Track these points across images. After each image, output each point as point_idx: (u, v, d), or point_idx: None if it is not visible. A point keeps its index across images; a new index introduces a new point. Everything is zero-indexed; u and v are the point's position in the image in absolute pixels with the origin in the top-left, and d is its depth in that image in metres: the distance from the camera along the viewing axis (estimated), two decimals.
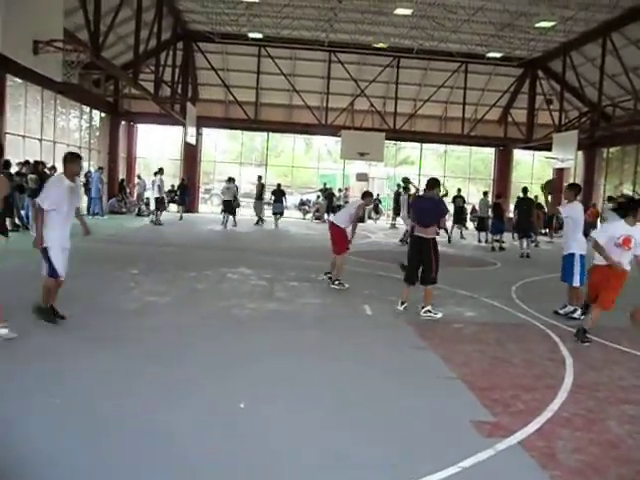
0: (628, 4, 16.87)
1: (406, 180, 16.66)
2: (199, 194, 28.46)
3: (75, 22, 14.68)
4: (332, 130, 25.09)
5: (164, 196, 20.73)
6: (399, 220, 21.87)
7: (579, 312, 7.68)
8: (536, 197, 24.19)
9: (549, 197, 8.94)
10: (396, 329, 7.05)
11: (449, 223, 18.47)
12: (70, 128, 21.79)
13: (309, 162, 36.85)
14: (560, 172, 27.58)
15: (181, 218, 22.03)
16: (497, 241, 17.75)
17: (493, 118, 26.49)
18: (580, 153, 24.68)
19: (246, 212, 24.60)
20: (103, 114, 24.07)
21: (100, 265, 10.21)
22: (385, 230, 23.34)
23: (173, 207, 23.74)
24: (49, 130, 19.10)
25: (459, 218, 20.38)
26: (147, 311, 7.15)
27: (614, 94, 21.63)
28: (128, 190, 25.19)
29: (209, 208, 28.95)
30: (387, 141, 25.44)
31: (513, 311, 8.32)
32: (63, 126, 20.81)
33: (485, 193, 20.62)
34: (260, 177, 23.06)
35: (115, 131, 24.85)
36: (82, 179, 21.19)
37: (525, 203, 16.80)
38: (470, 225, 22.73)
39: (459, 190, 21.85)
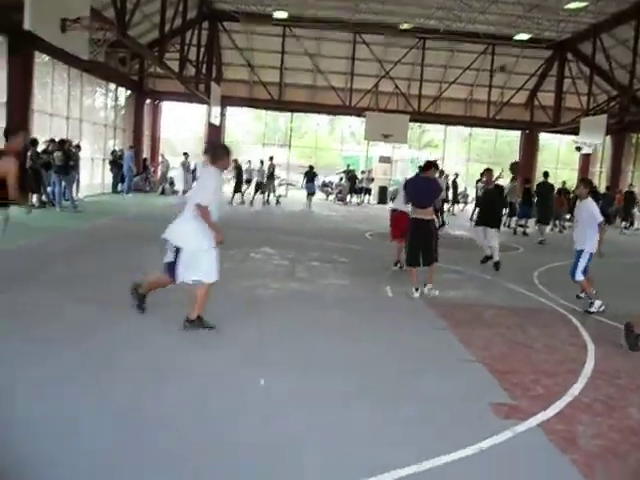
0: None
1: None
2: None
3: (102, 0, 14.75)
4: (356, 111, 24.97)
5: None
6: None
7: (597, 304, 7.48)
8: (563, 182, 23.91)
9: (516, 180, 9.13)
10: (416, 311, 7.06)
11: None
12: (96, 106, 21.95)
13: (332, 143, 36.78)
14: (587, 157, 27.17)
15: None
16: (521, 226, 17.59)
17: (520, 101, 26.10)
18: (608, 138, 24.23)
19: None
20: (128, 92, 24.20)
21: (127, 242, 10.35)
22: None
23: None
24: (75, 108, 19.26)
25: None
26: (170, 289, 7.24)
27: None
28: (152, 169, 25.38)
29: (231, 188, 29.02)
30: (411, 123, 25.25)
31: (535, 296, 8.28)
32: (89, 104, 20.97)
33: (514, 178, 20.33)
34: (272, 157, 22.99)
35: (140, 110, 24.99)
36: (109, 157, 21.49)
37: (544, 188, 16.53)
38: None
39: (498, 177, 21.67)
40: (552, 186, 17.34)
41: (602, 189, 23.81)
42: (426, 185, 7.95)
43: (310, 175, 23.09)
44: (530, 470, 3.39)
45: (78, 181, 16.87)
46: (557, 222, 19.65)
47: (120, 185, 21.47)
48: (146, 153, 25.76)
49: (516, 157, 29.32)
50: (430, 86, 25.22)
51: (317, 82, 25.94)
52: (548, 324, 6.81)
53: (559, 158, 31.37)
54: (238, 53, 24.39)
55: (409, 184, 8.49)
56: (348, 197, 26.32)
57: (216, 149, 5.74)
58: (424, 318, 6.75)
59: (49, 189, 15.27)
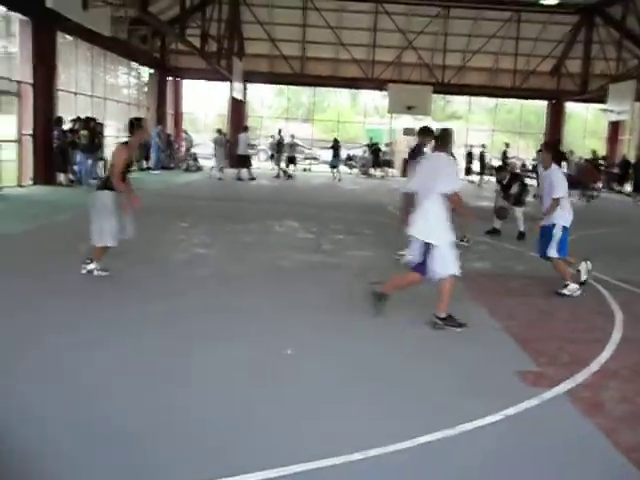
0: None
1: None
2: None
3: None
4: (379, 84, 24.72)
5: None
6: None
7: (571, 288, 6.58)
8: (594, 152, 23.43)
9: None
10: None
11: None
12: (119, 84, 22.07)
13: (355, 117, 36.48)
14: (615, 125, 26.55)
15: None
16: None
17: (546, 70, 25.54)
18: (638, 105, 23.64)
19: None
20: (151, 70, 24.24)
21: (153, 217, 10.48)
22: None
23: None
24: (99, 87, 19.39)
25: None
26: (196, 262, 7.35)
27: None
28: (176, 146, 25.51)
29: (255, 163, 29.11)
30: (435, 95, 24.92)
31: None
32: (112, 82, 21.09)
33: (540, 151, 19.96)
34: (280, 130, 23.04)
35: (162, 87, 25.03)
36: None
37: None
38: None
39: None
40: (563, 155, 16.94)
41: (632, 158, 23.30)
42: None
43: (335, 148, 23.34)
44: (556, 435, 3.40)
45: (104, 159, 17.04)
46: (585, 192, 19.34)
47: (145, 162, 21.66)
48: (169, 130, 25.87)
49: (542, 128, 28.88)
50: (454, 56, 24.81)
51: (339, 55, 25.68)
52: None
53: (587, 127, 30.76)
54: (259, 27, 24.21)
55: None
56: (372, 170, 26.19)
57: (445, 134, 5.30)
58: None
59: (76, 168, 15.47)
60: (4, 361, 3.96)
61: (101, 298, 5.58)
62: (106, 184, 6.13)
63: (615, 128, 27.21)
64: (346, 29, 24.75)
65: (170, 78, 25.88)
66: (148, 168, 21.43)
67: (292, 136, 22.97)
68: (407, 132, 26.82)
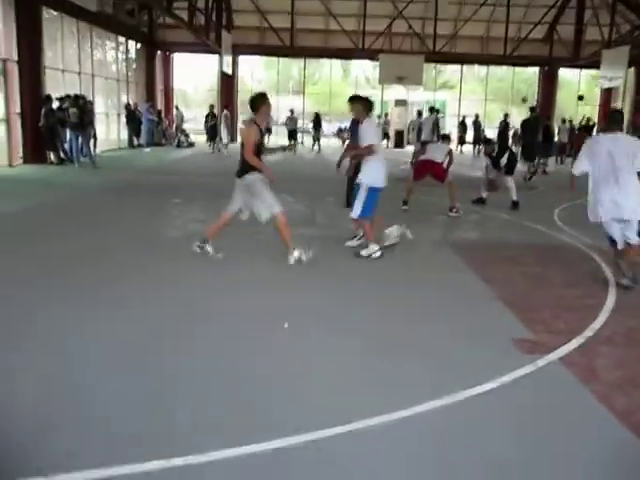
0: None
1: None
2: (237, 124, 28.33)
3: None
4: (370, 54, 24.44)
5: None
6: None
7: (371, 249, 6.55)
8: (588, 119, 23.28)
9: None
10: (438, 252, 7.10)
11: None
12: (107, 60, 21.75)
13: (347, 89, 36.14)
14: (608, 92, 26.44)
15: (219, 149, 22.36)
16: (542, 164, 17.35)
17: (538, 37, 25.31)
18: (631, 70, 23.51)
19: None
20: (138, 45, 23.90)
21: (146, 194, 10.43)
22: None
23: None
24: (87, 63, 19.11)
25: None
26: (192, 239, 7.33)
27: None
28: (167, 122, 25.28)
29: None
30: (426, 64, 24.70)
31: (555, 234, 8.26)
32: (100, 59, 20.79)
33: (533, 109, 19.72)
34: (292, 110, 23.86)
35: (151, 62, 24.73)
36: (124, 111, 21.45)
37: (531, 124, 15.66)
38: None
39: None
40: (538, 121, 16.43)
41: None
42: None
43: (317, 122, 24.66)
44: (551, 401, 3.45)
45: (95, 137, 16.90)
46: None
47: (136, 139, 21.49)
48: (160, 105, 25.61)
49: (535, 95, 28.74)
50: (445, 25, 24.53)
51: (329, 26, 25.36)
52: (569, 261, 6.80)
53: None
54: None
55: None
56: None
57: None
58: (446, 259, 6.78)
59: (66, 146, 15.33)
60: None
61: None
62: (245, 168, 5.98)
63: (608, 95, 27.10)
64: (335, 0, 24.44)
65: (159, 52, 25.54)
66: (139, 145, 21.25)
67: (291, 111, 24.30)
68: (399, 103, 26.68)
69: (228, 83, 26.41)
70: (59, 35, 17.27)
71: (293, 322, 4.46)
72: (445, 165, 9.74)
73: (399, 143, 26.74)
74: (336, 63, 31.17)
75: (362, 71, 35.20)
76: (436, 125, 17.67)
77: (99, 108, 19.48)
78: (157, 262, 6.12)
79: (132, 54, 23.86)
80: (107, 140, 20.68)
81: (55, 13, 16.71)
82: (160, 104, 25.69)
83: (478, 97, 31.22)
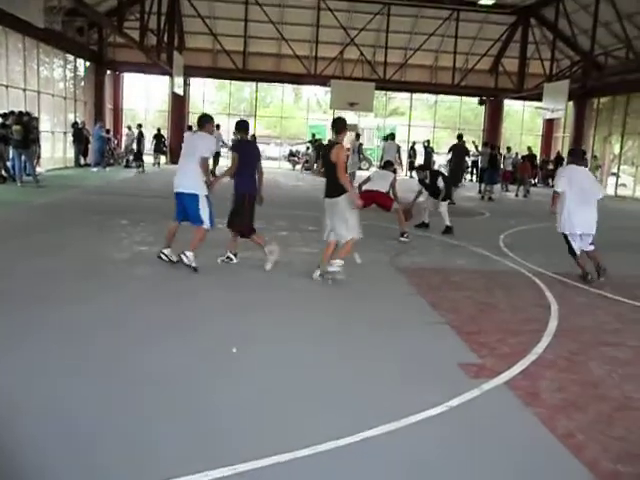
0: None
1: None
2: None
3: None
4: (321, 80, 24.74)
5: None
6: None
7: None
8: (529, 148, 24.30)
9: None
10: (386, 277, 7.16)
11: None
12: (55, 78, 21.30)
13: (298, 112, 36.49)
14: (550, 123, 27.50)
15: (158, 165, 22.94)
16: (488, 191, 17.86)
17: (484, 68, 26.19)
18: (571, 103, 24.52)
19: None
20: (88, 63, 23.53)
21: (92, 215, 10.17)
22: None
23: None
24: (32, 80, 18.66)
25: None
26: (137, 260, 7.19)
27: (607, 43, 21.40)
28: (115, 141, 24.87)
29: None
30: (377, 91, 25.15)
31: (501, 259, 8.45)
32: (47, 76, 20.34)
33: (486, 144, 20.40)
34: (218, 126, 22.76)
35: (100, 81, 24.35)
36: (70, 130, 21.01)
37: (457, 150, 16.82)
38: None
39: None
40: (466, 149, 17.55)
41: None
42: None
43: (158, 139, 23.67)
44: (497, 425, 3.49)
45: (39, 155, 16.46)
46: (521, 187, 19.95)
47: (83, 159, 21.05)
48: (108, 125, 25.20)
49: (481, 124, 29.63)
50: (395, 53, 25.10)
51: (282, 50, 25.58)
52: (513, 286, 6.97)
53: (523, 124, 31.73)
54: (200, 21, 23.84)
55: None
56: (315, 166, 26.23)
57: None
58: (394, 283, 6.84)
59: (9, 164, 14.87)
60: None
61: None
62: (338, 189, 6.33)
63: (550, 125, 28.18)
64: (288, 24, 24.69)
65: (108, 72, 25.20)
66: (86, 164, 20.81)
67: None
68: (350, 128, 26.98)
69: (179, 104, 26.25)
70: (3, 50, 16.84)
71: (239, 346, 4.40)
72: (390, 194, 9.65)
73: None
74: (288, 86, 31.40)
75: (314, 94, 35.57)
76: (398, 152, 18.12)
77: (45, 126, 19.01)
78: (100, 288, 5.96)
79: (81, 72, 23.46)
80: (53, 159, 20.19)
81: None
82: (109, 124, 25.27)
83: (427, 124, 31.95)
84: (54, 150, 20.63)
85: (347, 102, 23.48)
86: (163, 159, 24.23)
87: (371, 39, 25.12)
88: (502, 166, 22.03)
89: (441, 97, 30.21)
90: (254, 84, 28.60)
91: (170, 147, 24.66)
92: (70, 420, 3.22)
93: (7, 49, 16.99)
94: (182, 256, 6.56)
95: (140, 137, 21.93)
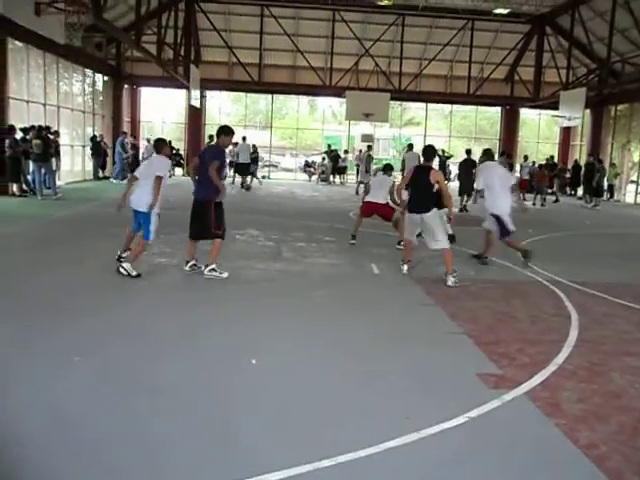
0: None
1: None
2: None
3: None
4: (336, 91, 24.86)
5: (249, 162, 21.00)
6: None
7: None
8: (552, 157, 24.18)
9: None
10: (404, 287, 7.14)
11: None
12: (74, 92, 21.62)
13: (314, 124, 36.63)
14: (567, 131, 27.33)
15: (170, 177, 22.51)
16: None
17: (499, 77, 26.13)
18: (587, 111, 24.38)
19: None
20: (106, 78, 23.87)
21: (111, 228, 10.28)
22: None
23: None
24: (52, 95, 18.95)
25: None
26: (156, 272, 7.26)
27: (624, 49, 21.28)
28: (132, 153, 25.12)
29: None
30: (392, 102, 25.19)
31: (519, 269, 8.39)
32: (66, 90, 20.64)
33: (502, 153, 20.35)
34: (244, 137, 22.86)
35: (118, 95, 24.66)
36: (89, 143, 21.27)
37: (466, 164, 16.84)
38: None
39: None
40: (473, 162, 17.48)
41: (583, 162, 23.92)
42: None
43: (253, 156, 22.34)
44: (517, 436, 3.47)
45: (58, 168, 16.69)
46: (539, 196, 19.82)
47: (101, 171, 21.30)
48: (126, 139, 25.46)
49: (497, 133, 29.54)
50: (410, 63, 25.14)
51: (297, 62, 25.75)
52: (532, 296, 6.93)
53: (540, 133, 31.57)
54: (216, 34, 24.10)
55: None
56: (331, 177, 26.30)
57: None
58: (412, 293, 6.83)
59: (29, 177, 15.09)
60: None
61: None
62: (437, 204, 7.39)
63: (567, 134, 28.00)
64: (303, 36, 24.86)
65: (126, 86, 25.53)
66: (105, 177, 21.06)
67: (253, 145, 22.39)
68: (365, 139, 27.06)
69: (196, 116, 26.48)
70: (25, 66, 17.14)
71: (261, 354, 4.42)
72: (390, 203, 9.36)
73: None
74: (303, 98, 31.56)
75: (329, 106, 35.71)
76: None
77: (64, 140, 19.27)
78: (117, 300, 6.03)
79: (99, 86, 23.79)
80: (72, 172, 20.45)
81: (21, 44, 16.61)
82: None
83: (443, 134, 31.92)
84: (73, 163, 20.90)
85: (362, 113, 23.57)
86: (177, 171, 24.38)
87: (386, 50, 25.19)
88: (519, 175, 21.95)
89: (456, 107, 30.16)
90: (270, 96, 28.78)
91: (187, 158, 24.87)
92: (81, 429, 3.26)
93: (28, 65, 17.29)
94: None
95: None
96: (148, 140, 25.27)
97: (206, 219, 6.91)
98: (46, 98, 18.33)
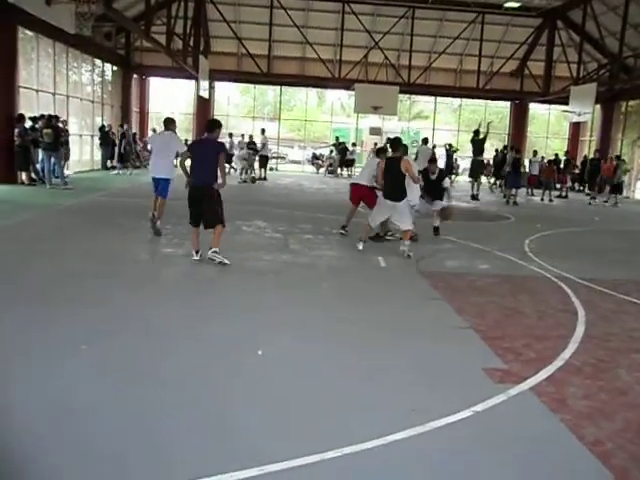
0: None
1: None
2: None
3: None
4: (345, 83, 24.77)
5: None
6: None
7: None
8: (566, 152, 23.95)
9: None
10: (410, 281, 7.14)
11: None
12: (83, 82, 21.65)
13: (322, 116, 36.54)
14: (577, 126, 27.15)
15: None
16: (512, 195, 17.72)
17: (509, 71, 25.97)
18: (598, 107, 24.21)
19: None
20: (115, 68, 23.89)
21: (118, 218, 10.32)
22: None
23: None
24: (62, 84, 18.99)
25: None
26: (163, 262, 7.28)
27: (636, 44, 21.09)
28: (141, 144, 25.16)
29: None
30: (401, 95, 25.09)
31: (526, 264, 8.37)
32: (75, 80, 20.68)
33: (512, 148, 20.26)
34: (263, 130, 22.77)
35: (127, 85, 24.70)
36: (98, 133, 21.27)
37: (476, 144, 17.09)
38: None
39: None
40: (482, 141, 17.68)
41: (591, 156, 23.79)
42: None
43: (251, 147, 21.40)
44: (522, 430, 3.47)
45: (68, 158, 16.74)
46: (547, 191, 19.74)
47: (109, 162, 21.31)
48: (135, 129, 25.51)
49: (506, 127, 29.40)
50: (420, 56, 25.02)
51: (306, 54, 25.67)
52: (539, 291, 6.91)
53: (549, 128, 31.39)
54: (225, 25, 24.04)
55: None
56: (338, 169, 26.24)
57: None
58: (418, 287, 6.83)
59: (38, 166, 15.14)
60: None
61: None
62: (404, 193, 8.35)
63: (576, 129, 27.83)
64: (313, 28, 24.76)
65: (135, 76, 25.54)
66: (113, 167, 21.07)
67: (250, 136, 21.85)
68: (373, 132, 26.99)
69: (204, 107, 26.47)
70: (34, 55, 17.18)
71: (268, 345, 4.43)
72: (374, 182, 9.19)
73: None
74: (312, 90, 31.48)
75: (337, 98, 35.60)
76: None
77: (73, 129, 19.31)
78: (124, 289, 6.05)
79: (108, 76, 23.82)
80: (80, 161, 20.49)
81: (31, 33, 16.63)
82: (135, 127, 25.59)
83: (452, 127, 31.79)
84: (82, 153, 20.95)
85: (371, 106, 23.48)
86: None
87: (395, 43, 25.07)
88: (528, 170, 21.85)
89: (465, 101, 30.01)
90: (278, 87, 28.72)
91: None
92: (89, 419, 3.29)
93: (38, 54, 17.33)
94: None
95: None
96: (154, 130, 25.35)
97: (215, 206, 7.03)
98: (55, 87, 18.37)
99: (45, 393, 3.55)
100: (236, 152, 21.21)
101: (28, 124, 14.85)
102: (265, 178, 21.21)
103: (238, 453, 3.00)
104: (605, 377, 4.31)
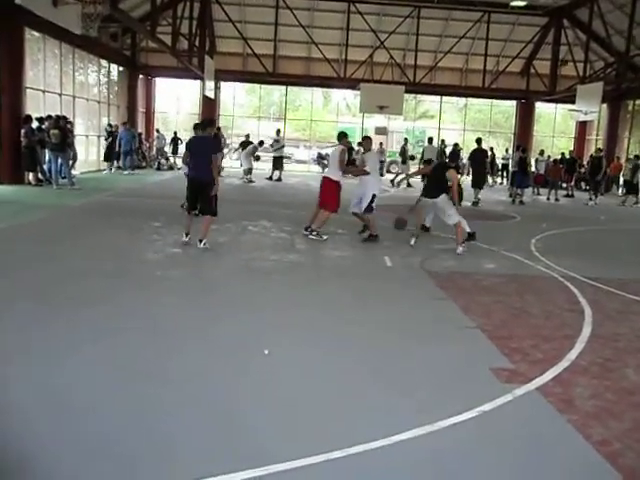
0: None
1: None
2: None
3: None
4: (351, 83, 24.73)
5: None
6: None
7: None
8: (571, 152, 23.83)
9: None
10: (416, 280, 7.14)
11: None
12: (89, 83, 21.72)
13: (328, 116, 36.57)
14: (583, 125, 27.06)
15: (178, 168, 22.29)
16: (519, 195, 17.68)
17: (515, 70, 25.89)
18: (604, 106, 24.11)
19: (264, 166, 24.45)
20: (121, 68, 23.95)
21: (126, 218, 10.36)
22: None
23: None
24: (68, 85, 19.05)
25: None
26: (170, 262, 7.30)
27: None
28: (147, 145, 25.24)
29: (226, 162, 28.88)
30: (407, 94, 25.05)
31: (532, 263, 8.36)
32: (82, 80, 20.74)
33: (518, 147, 20.17)
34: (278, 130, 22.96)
35: (133, 85, 24.75)
36: (104, 133, 21.33)
37: (477, 154, 16.70)
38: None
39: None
40: (485, 152, 17.52)
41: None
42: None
43: (246, 145, 21.03)
44: (530, 431, 3.47)
45: (75, 158, 16.80)
46: (553, 191, 19.68)
47: (116, 162, 21.37)
48: (141, 129, 25.59)
49: (512, 127, 29.32)
50: (425, 56, 24.95)
51: (311, 54, 25.67)
52: (546, 291, 6.90)
53: (555, 127, 31.30)
54: (231, 25, 24.06)
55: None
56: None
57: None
58: (424, 287, 6.82)
59: (45, 167, 15.20)
60: None
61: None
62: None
63: (583, 128, 27.73)
64: (318, 28, 24.74)
65: (141, 76, 25.61)
66: (119, 167, 21.15)
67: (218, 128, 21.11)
68: (379, 131, 26.97)
69: (210, 107, 26.49)
70: (41, 56, 17.24)
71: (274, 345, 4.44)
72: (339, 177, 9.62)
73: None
74: (317, 90, 31.48)
75: (343, 98, 35.60)
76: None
77: (79, 129, 19.38)
78: (130, 288, 6.07)
79: (114, 77, 23.89)
80: (87, 162, 20.55)
81: (37, 34, 16.70)
82: (141, 127, 25.67)
83: (457, 127, 31.74)
84: (88, 153, 21.01)
85: (376, 105, 23.45)
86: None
87: (401, 42, 25.03)
88: (534, 169, 21.77)
89: (471, 100, 29.94)
90: (284, 87, 28.74)
91: None
92: (95, 417, 3.30)
93: (44, 55, 17.39)
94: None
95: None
96: (157, 130, 25.45)
97: (209, 198, 7.79)
98: (62, 88, 18.43)
99: (45, 392, 3.56)
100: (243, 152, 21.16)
101: (35, 125, 14.91)
102: (280, 179, 21.08)
103: (245, 453, 3.01)
104: (612, 377, 4.30)
